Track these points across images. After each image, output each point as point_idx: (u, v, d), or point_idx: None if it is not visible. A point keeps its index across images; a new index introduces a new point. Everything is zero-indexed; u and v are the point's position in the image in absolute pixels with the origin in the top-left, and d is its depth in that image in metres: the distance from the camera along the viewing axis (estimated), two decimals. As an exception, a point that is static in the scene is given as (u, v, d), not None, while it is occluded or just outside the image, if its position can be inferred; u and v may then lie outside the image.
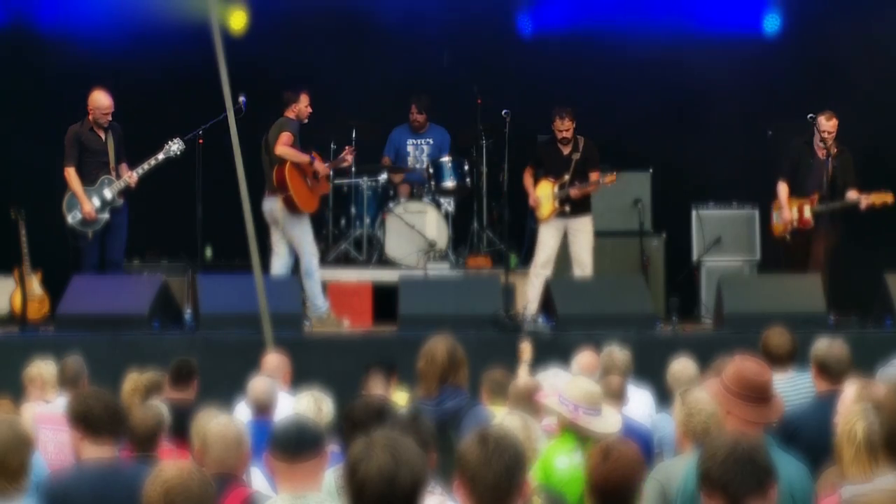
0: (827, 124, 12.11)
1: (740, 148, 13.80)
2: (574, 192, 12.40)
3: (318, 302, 12.08)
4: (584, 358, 8.42)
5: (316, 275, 12.06)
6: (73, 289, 11.54)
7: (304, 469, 4.82)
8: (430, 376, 6.72)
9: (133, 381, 7.82)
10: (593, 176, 12.47)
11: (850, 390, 5.66)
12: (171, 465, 4.61)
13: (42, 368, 8.36)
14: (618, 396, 7.67)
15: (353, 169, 13.44)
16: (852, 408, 5.18)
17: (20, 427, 5.11)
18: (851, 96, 13.80)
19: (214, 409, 6.57)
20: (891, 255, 12.69)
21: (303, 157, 12.05)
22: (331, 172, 12.93)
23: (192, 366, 8.36)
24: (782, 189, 12.39)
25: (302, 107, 12.09)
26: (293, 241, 12.07)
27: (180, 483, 4.46)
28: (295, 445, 4.85)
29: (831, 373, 6.94)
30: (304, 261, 12.04)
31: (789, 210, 12.28)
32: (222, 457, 5.68)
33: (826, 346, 7.09)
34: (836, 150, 12.16)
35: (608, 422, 6.18)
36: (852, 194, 12.07)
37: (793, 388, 7.33)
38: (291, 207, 11.98)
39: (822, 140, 12.13)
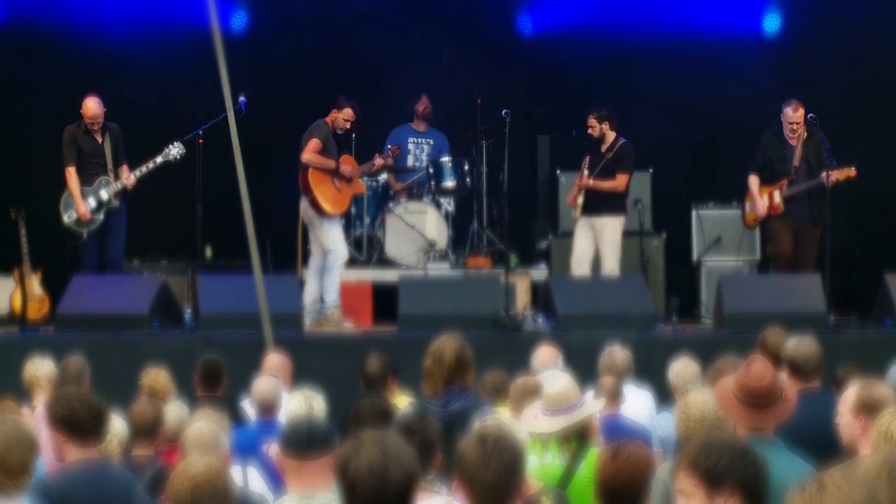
0: (794, 115, 12.25)
1: (740, 148, 13.79)
2: (578, 182, 12.45)
3: (328, 298, 12.15)
4: (542, 353, 8.41)
5: (335, 273, 12.17)
6: (73, 289, 11.54)
7: (314, 467, 4.81)
8: (437, 376, 6.66)
9: (162, 377, 7.82)
10: (619, 178, 12.48)
11: (851, 391, 5.66)
12: (198, 462, 4.62)
13: (42, 369, 8.35)
14: (612, 396, 7.66)
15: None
16: (873, 412, 5.22)
17: (24, 427, 5.11)
18: (851, 96, 13.82)
19: (214, 409, 6.58)
20: (891, 255, 12.69)
21: (327, 163, 12.24)
22: (362, 175, 13.01)
23: (221, 365, 8.37)
24: (753, 181, 12.49)
25: (340, 118, 12.31)
26: (321, 240, 12.22)
27: (208, 480, 4.47)
28: (305, 444, 4.85)
29: (802, 371, 6.93)
30: (329, 258, 12.19)
31: (761, 199, 12.34)
32: None
33: (794, 345, 7.06)
34: (805, 135, 12.25)
35: (551, 422, 6.14)
36: (824, 176, 12.10)
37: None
38: (317, 209, 12.16)
39: (792, 131, 12.24)
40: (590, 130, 12.59)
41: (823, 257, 12.17)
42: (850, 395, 5.61)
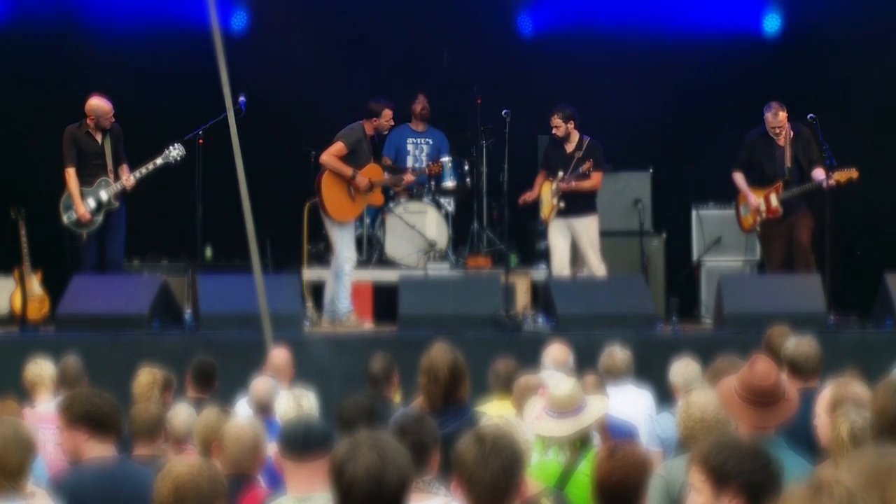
0: (774, 121, 12.24)
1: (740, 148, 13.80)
2: (563, 185, 12.43)
3: (342, 305, 12.22)
4: (555, 351, 8.40)
5: (345, 278, 12.20)
6: (73, 289, 11.53)
7: (311, 468, 4.82)
8: (434, 394, 6.58)
9: (150, 374, 7.84)
10: (595, 176, 12.48)
11: (827, 391, 5.66)
12: (181, 462, 4.62)
13: (44, 369, 8.36)
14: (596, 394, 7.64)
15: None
16: (835, 413, 5.22)
17: (23, 428, 5.12)
18: (851, 96, 13.82)
19: (215, 409, 6.58)
20: (891, 255, 12.69)
21: (343, 169, 12.22)
22: (387, 187, 13.05)
23: (214, 367, 8.39)
24: (740, 178, 12.45)
25: (383, 121, 12.39)
26: (332, 242, 12.25)
27: (190, 479, 4.47)
28: (302, 444, 4.86)
29: (801, 371, 6.96)
30: (337, 263, 12.25)
31: (755, 196, 12.32)
32: (237, 458, 5.74)
33: (794, 345, 7.08)
34: (792, 135, 12.24)
35: (560, 425, 6.13)
36: (818, 173, 12.07)
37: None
38: (324, 212, 12.21)
39: (776, 134, 12.23)
40: (555, 130, 12.56)
41: (823, 257, 12.18)
42: (826, 394, 5.62)
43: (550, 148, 12.76)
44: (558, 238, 12.55)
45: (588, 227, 12.51)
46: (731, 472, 4.03)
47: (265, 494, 5.59)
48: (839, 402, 5.46)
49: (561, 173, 12.49)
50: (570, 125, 12.53)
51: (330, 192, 12.20)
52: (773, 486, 4.03)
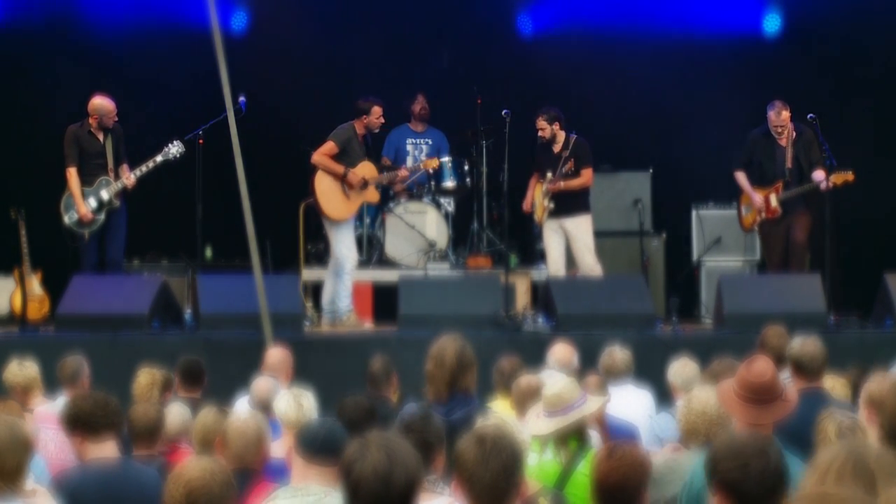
0: (777, 119, 12.25)
1: (740, 148, 13.81)
2: (550, 186, 12.42)
3: (342, 304, 12.23)
4: (559, 351, 8.40)
5: (345, 277, 12.21)
6: (73, 289, 11.54)
7: (319, 471, 4.82)
8: (439, 380, 6.63)
9: (150, 374, 7.85)
10: (584, 173, 12.47)
11: (867, 386, 5.71)
12: (193, 464, 4.62)
13: (30, 370, 8.31)
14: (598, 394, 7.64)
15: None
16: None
17: (20, 429, 5.12)
18: (851, 96, 13.82)
19: (213, 408, 6.59)
20: (891, 255, 12.69)
21: (334, 168, 12.22)
22: (383, 185, 13.08)
23: (201, 365, 8.40)
24: (742, 178, 12.47)
25: (373, 119, 12.32)
26: (330, 243, 12.32)
27: (203, 484, 4.47)
28: (319, 446, 4.86)
29: (806, 370, 7.02)
30: (336, 262, 12.25)
31: (758, 195, 12.33)
32: (242, 453, 5.75)
33: (799, 344, 7.14)
34: (794, 135, 12.25)
35: (548, 423, 6.12)
36: (818, 174, 12.08)
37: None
38: (319, 211, 12.23)
39: (777, 133, 12.23)
40: (540, 133, 12.53)
41: (824, 257, 12.18)
42: (866, 389, 5.69)
43: (540, 150, 12.74)
44: (552, 239, 12.54)
45: (580, 227, 12.46)
46: (713, 469, 4.17)
47: (273, 488, 5.61)
48: (872, 397, 5.51)
49: (549, 174, 12.49)
50: (556, 126, 12.51)
51: (323, 191, 12.20)
52: (756, 487, 4.07)
